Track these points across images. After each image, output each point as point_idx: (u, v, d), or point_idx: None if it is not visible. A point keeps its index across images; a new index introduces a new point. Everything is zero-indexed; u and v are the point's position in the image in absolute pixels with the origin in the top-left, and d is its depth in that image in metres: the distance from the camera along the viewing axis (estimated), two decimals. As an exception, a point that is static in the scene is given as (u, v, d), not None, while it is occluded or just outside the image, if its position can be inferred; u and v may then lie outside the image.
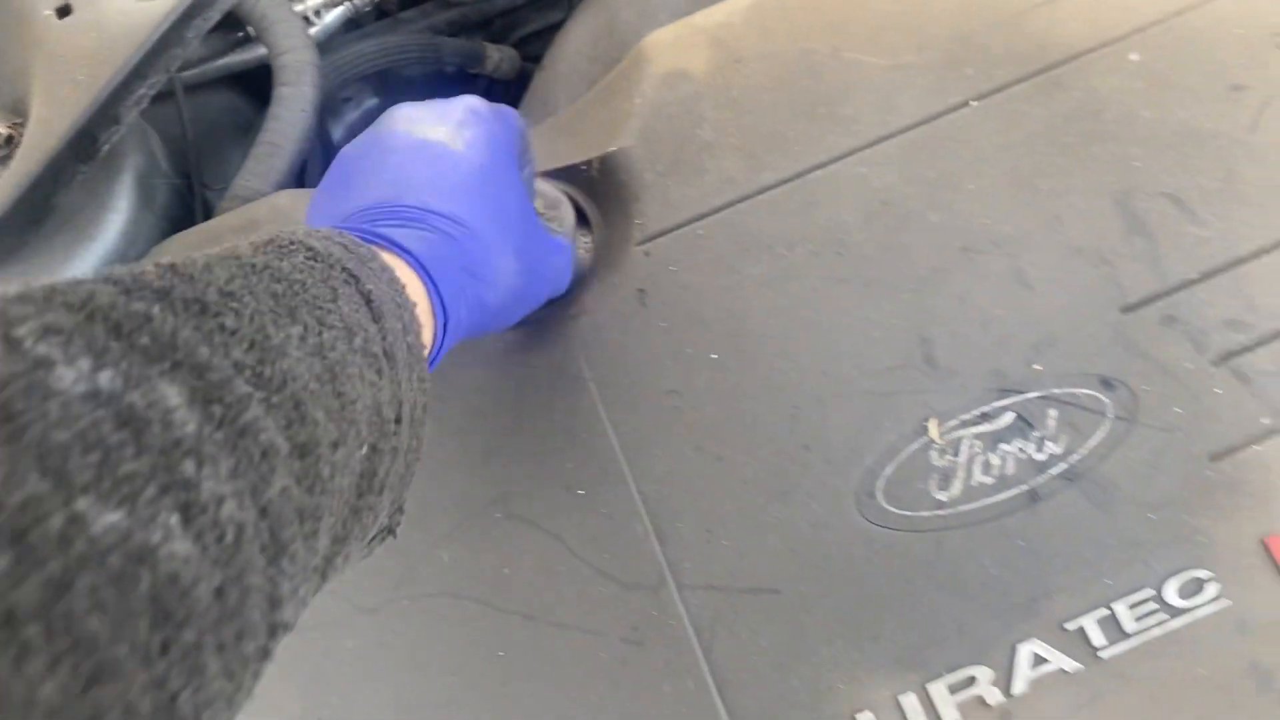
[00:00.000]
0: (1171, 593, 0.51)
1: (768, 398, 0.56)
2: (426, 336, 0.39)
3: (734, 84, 0.62)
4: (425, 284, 0.40)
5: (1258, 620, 0.50)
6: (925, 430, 0.54)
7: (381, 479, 0.34)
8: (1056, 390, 0.54)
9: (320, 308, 0.32)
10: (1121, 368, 0.54)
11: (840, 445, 0.55)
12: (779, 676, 0.51)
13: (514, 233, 0.46)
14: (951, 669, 0.50)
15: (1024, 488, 0.53)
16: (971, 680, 0.50)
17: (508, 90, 1.04)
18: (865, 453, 0.54)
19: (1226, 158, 0.57)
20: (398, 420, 0.35)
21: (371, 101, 1.07)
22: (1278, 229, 0.55)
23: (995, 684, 0.50)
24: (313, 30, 0.92)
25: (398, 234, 0.40)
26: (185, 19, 0.65)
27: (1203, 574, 0.51)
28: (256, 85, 0.94)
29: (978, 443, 0.54)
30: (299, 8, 0.88)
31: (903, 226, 0.58)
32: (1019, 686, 0.50)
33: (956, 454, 0.54)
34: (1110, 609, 0.51)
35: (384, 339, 0.34)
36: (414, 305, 0.37)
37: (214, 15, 0.66)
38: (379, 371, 0.33)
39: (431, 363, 0.41)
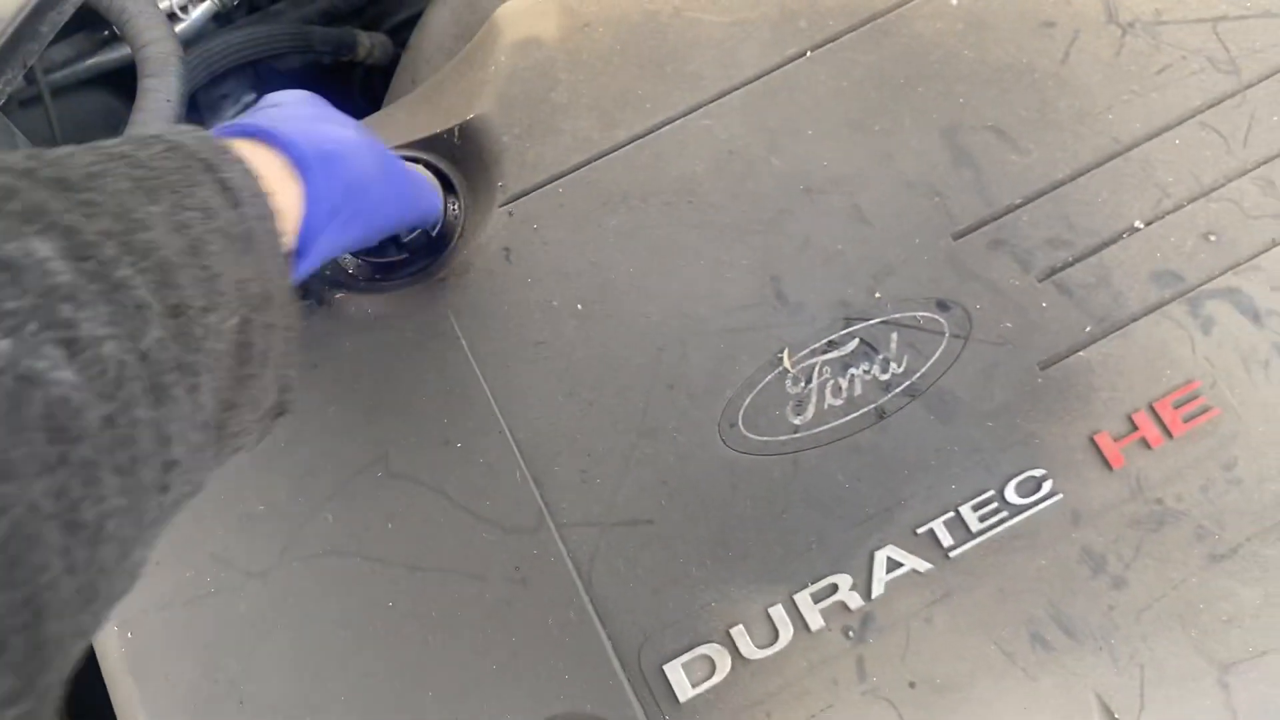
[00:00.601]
0: (1011, 492, 0.55)
1: (632, 342, 0.59)
2: (289, 224, 0.41)
3: (584, 48, 0.64)
4: (290, 167, 0.42)
5: (1089, 510, 0.54)
6: (779, 361, 0.57)
7: (261, 350, 0.37)
8: (897, 315, 0.58)
9: (178, 191, 0.34)
10: (955, 290, 0.58)
11: (702, 381, 0.58)
12: (656, 601, 0.54)
13: (388, 160, 0.51)
14: (815, 579, 0.54)
15: (872, 406, 0.56)
16: (833, 588, 0.54)
17: (385, 77, 1.05)
18: (725, 386, 0.57)
19: (1042, 89, 0.61)
20: (265, 297, 0.37)
21: (249, 97, 1.07)
22: (1090, 152, 0.59)
23: (855, 589, 0.54)
24: (181, 26, 0.92)
25: (258, 118, 0.43)
26: (38, 13, 0.65)
27: (1038, 472, 0.55)
28: (130, 85, 0.93)
29: (828, 369, 0.57)
30: (164, 4, 0.88)
31: (749, 173, 0.61)
32: (877, 589, 0.54)
33: (809, 381, 0.57)
34: (956, 511, 0.54)
35: (242, 223, 0.36)
36: (271, 194, 0.39)
37: (68, 9, 0.67)
38: (240, 251, 0.36)
39: (303, 253, 0.44)
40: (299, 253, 0.44)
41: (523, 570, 0.55)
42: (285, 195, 0.41)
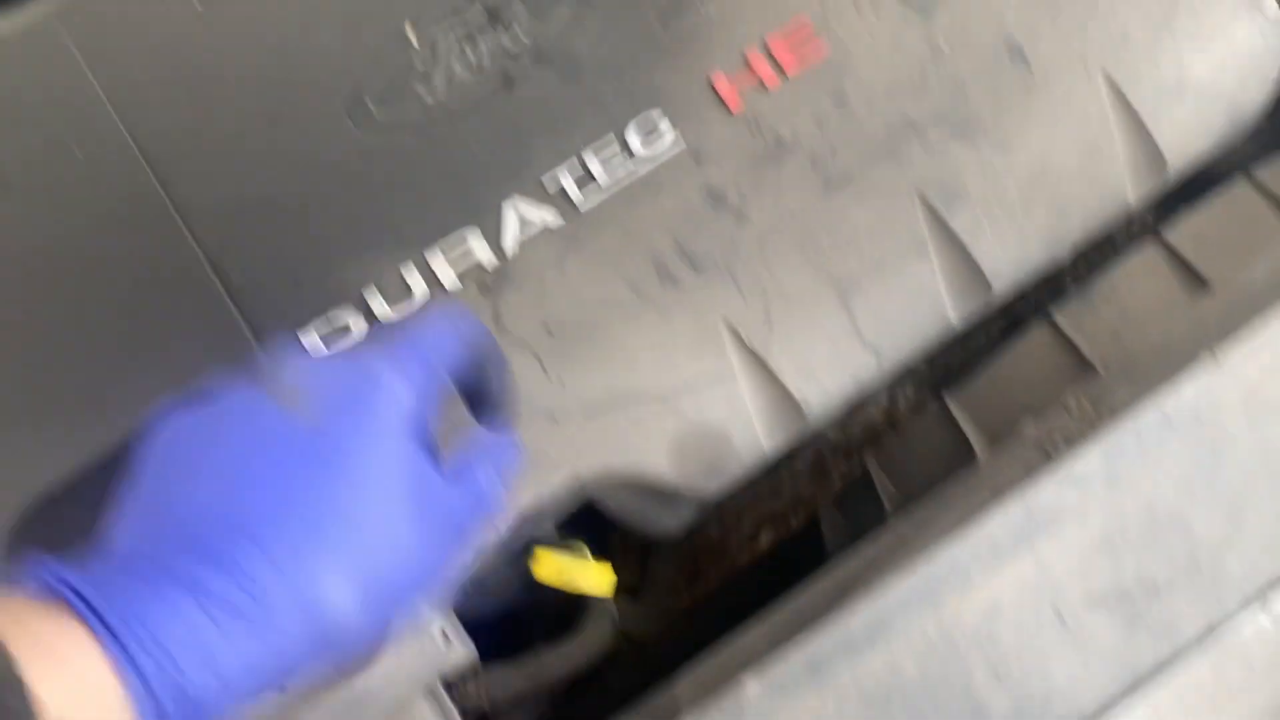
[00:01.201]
0: (635, 140, 0.56)
1: (255, 36, 0.57)
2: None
3: None
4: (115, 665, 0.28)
5: (709, 152, 0.56)
6: (406, 38, 0.57)
7: None
8: (519, -21, 0.57)
9: None
10: (573, -50, 0.58)
11: (328, 65, 0.57)
12: (291, 279, 0.54)
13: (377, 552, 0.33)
14: (446, 237, 0.54)
15: (500, 75, 0.56)
16: (466, 245, 0.54)
17: None
18: (352, 68, 0.56)
19: None
20: None
21: None
22: None
23: (489, 246, 0.54)
24: None
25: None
26: None
27: (661, 120, 0.56)
28: None
29: (454, 41, 0.57)
30: None
31: None
32: (510, 245, 0.55)
33: (436, 55, 0.57)
34: (583, 164, 0.55)
35: None
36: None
37: None
38: None
39: None
40: None
41: (152, 266, 0.54)
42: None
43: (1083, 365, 0.71)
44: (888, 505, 0.77)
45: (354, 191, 0.55)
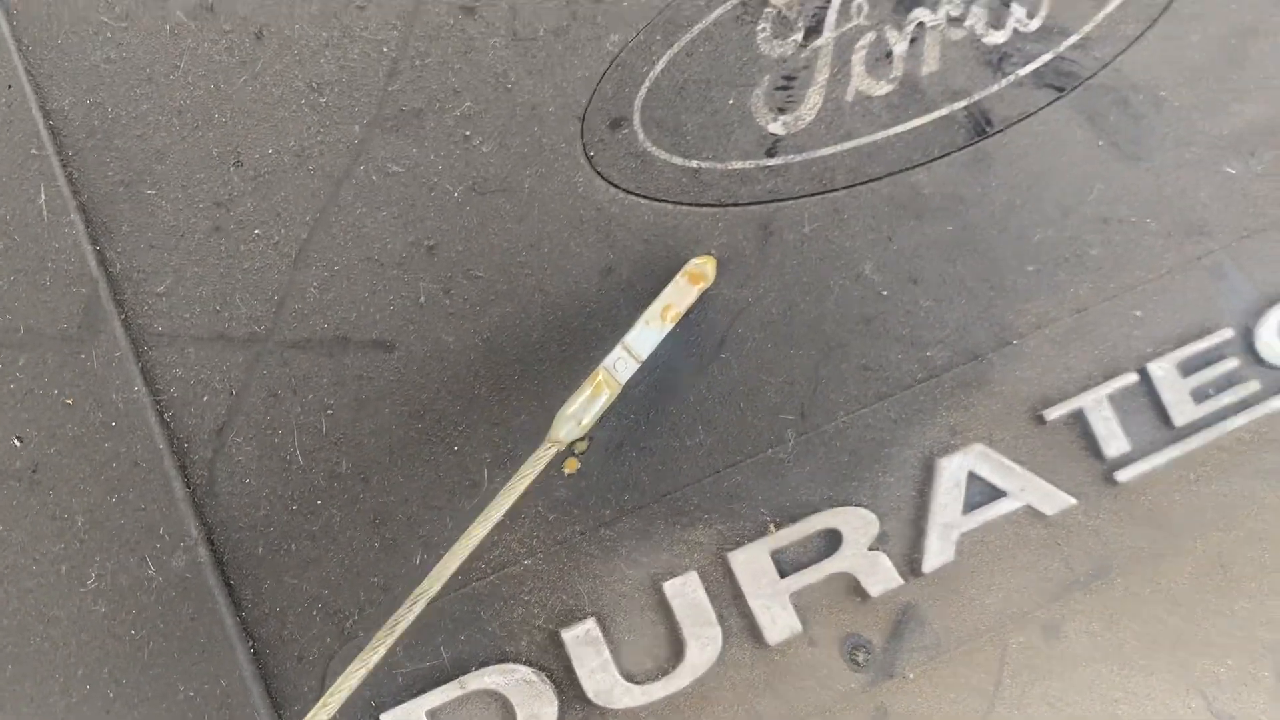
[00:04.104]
0: (1271, 342, 0.22)
1: None
2: None
3: None
4: None
5: None
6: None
7: None
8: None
9: None
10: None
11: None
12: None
13: None
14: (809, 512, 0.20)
15: (959, 107, 0.23)
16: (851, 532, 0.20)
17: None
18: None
19: None
20: None
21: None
22: None
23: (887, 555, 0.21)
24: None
25: None
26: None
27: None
28: None
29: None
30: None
31: None
32: (932, 558, 0.21)
33: (816, 37, 0.23)
34: (1149, 382, 0.22)
35: None
36: None
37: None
38: None
39: None
40: None
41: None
42: None
43: None
44: None
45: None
